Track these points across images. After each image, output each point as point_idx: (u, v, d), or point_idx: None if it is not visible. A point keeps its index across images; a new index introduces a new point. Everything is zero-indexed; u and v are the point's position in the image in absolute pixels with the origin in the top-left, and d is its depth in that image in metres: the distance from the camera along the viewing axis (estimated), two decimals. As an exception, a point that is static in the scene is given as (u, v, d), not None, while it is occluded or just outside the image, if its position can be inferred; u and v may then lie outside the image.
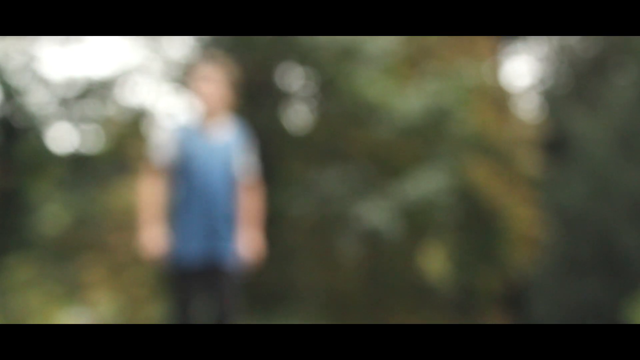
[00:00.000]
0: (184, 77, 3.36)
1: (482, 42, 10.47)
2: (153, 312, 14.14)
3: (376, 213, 8.36)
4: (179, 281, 3.23)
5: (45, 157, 9.84)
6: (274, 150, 12.75)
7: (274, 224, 11.76)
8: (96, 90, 10.02)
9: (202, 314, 3.21)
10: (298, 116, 13.05)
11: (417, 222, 10.60)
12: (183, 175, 3.25)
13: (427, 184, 8.66)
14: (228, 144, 3.32)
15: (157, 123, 11.63)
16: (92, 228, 9.59)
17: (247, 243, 3.25)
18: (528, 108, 18.42)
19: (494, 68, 12.58)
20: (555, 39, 14.82)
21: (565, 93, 16.25)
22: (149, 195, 3.23)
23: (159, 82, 10.34)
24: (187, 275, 3.20)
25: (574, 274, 12.78)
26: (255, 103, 10.32)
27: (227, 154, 3.29)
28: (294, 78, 12.16)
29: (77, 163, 8.57)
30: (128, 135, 10.86)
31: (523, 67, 16.10)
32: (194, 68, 3.48)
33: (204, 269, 3.23)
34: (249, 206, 3.34)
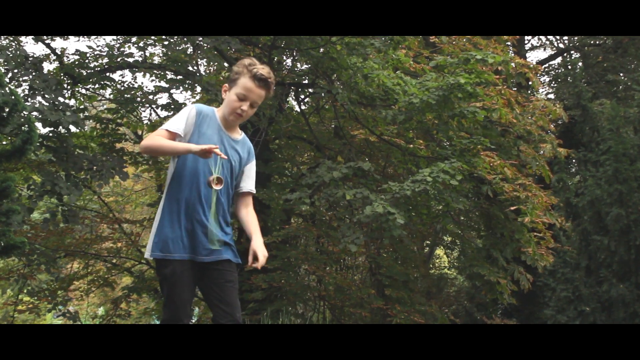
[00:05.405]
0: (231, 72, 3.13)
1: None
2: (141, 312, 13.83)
3: (383, 203, 7.80)
4: (177, 275, 3.08)
5: (30, 144, 9.37)
6: (277, 140, 12.23)
7: (276, 215, 11.34)
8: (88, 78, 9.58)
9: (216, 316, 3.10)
10: (302, 106, 12.58)
11: (426, 211, 10.16)
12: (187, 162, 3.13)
13: (437, 171, 8.08)
14: (238, 149, 3.29)
15: (153, 113, 11.17)
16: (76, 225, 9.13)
17: (258, 247, 3.15)
18: (547, 92, 17.88)
19: (513, 51, 12.06)
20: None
21: (585, 77, 15.84)
22: (163, 140, 3.08)
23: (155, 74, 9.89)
24: (185, 267, 3.10)
25: (592, 268, 12.28)
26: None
27: (235, 156, 3.25)
28: (296, 66, 11.65)
29: (62, 153, 8.04)
30: (118, 126, 10.40)
31: (543, 50, 15.61)
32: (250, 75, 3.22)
33: (207, 261, 3.12)
34: (252, 215, 3.34)
